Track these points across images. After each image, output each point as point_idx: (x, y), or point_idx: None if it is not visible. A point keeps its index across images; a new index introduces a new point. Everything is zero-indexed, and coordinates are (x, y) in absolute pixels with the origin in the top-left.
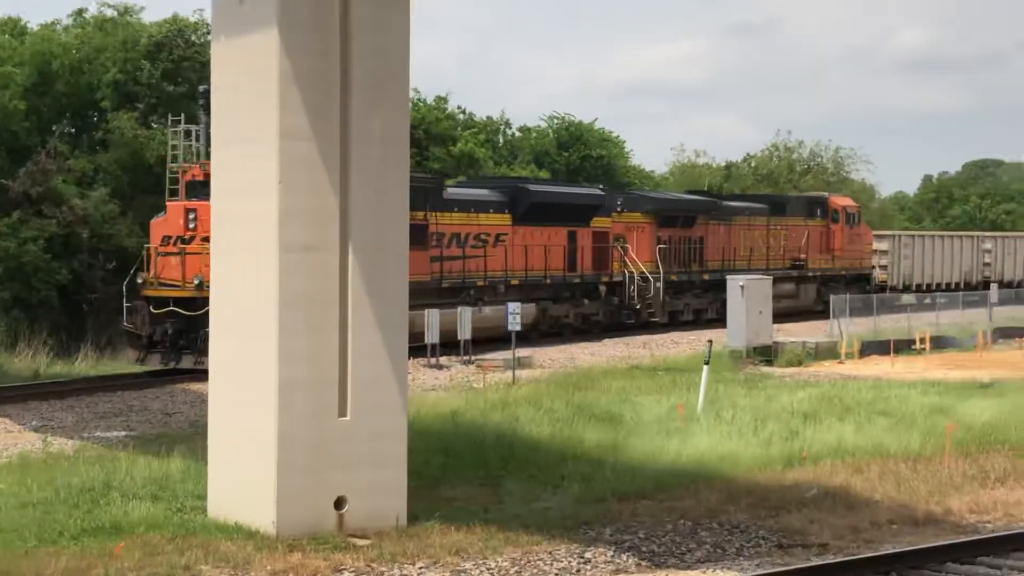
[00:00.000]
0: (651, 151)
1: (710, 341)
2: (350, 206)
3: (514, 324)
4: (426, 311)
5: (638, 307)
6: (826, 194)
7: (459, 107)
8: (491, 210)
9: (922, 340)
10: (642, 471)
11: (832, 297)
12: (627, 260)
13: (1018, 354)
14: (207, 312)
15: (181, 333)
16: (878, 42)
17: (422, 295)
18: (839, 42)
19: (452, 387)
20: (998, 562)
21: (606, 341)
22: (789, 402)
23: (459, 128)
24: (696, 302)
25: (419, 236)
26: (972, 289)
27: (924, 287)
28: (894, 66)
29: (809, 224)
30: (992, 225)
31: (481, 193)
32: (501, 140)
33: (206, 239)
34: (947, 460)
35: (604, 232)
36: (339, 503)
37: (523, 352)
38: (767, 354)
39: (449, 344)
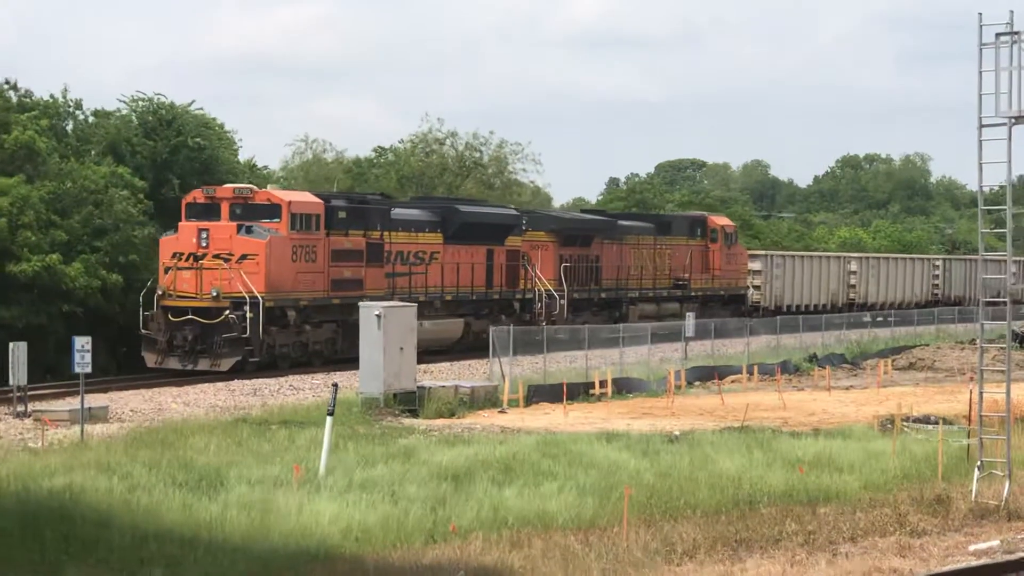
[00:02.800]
0: (268, 141)
1: (335, 385)
2: None
3: (82, 365)
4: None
5: (544, 323)
6: (706, 214)
7: (7, 82)
8: (427, 229)
9: (602, 383)
10: (245, 552)
11: (492, 330)
12: (537, 278)
13: (714, 400)
14: (223, 320)
15: (198, 339)
16: (544, 13)
17: None
18: (496, 12)
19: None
20: None
21: (203, 386)
22: (436, 462)
23: (12, 112)
24: (594, 320)
25: (376, 254)
26: (837, 311)
27: (794, 308)
28: (565, 42)
29: (691, 244)
30: None
31: (419, 213)
32: (71, 126)
33: (217, 255)
34: (625, 530)
35: (516, 250)
36: None
37: (97, 401)
38: (411, 402)
39: None
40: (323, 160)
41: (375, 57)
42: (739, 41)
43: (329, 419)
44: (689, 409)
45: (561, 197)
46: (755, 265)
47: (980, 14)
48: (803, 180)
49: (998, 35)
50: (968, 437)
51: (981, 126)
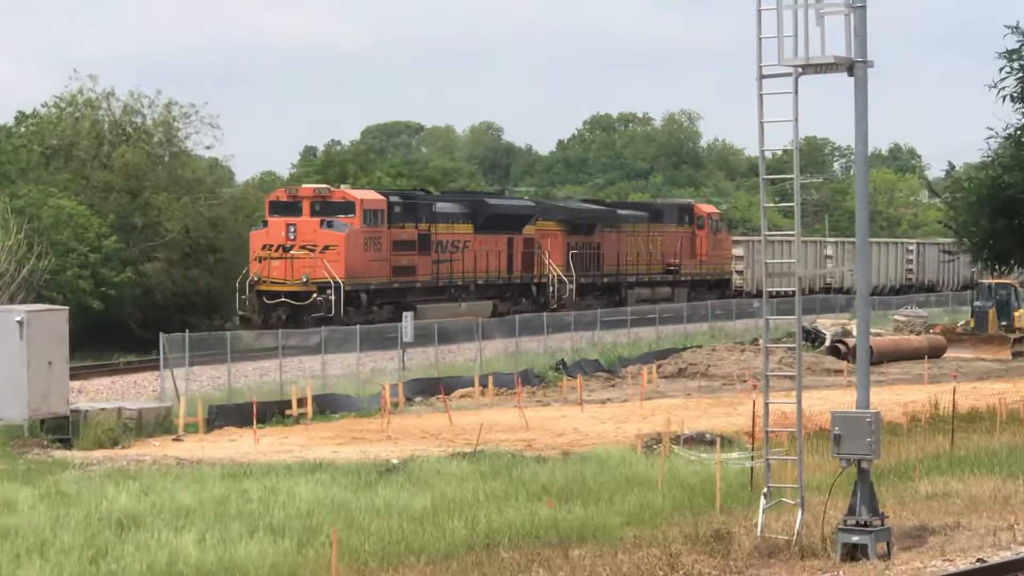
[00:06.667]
0: None
1: None
2: None
3: None
4: None
5: (554, 307)
6: (692, 202)
7: None
8: (460, 221)
9: (301, 402)
10: None
11: (163, 336)
12: (549, 264)
13: (440, 419)
14: (311, 302)
15: (290, 318)
16: None
17: (428, 292)
18: None
19: None
20: None
21: None
22: (96, 504)
23: None
24: (596, 303)
25: (425, 243)
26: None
27: (774, 292)
28: None
29: (680, 230)
30: None
31: (454, 207)
32: None
33: (304, 246)
34: None
35: (531, 239)
36: None
37: None
38: (64, 430)
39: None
40: None
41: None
42: None
43: None
44: (409, 432)
45: (246, 170)
46: (738, 251)
47: None
48: (545, 146)
49: None
50: (752, 459)
51: (761, 77)
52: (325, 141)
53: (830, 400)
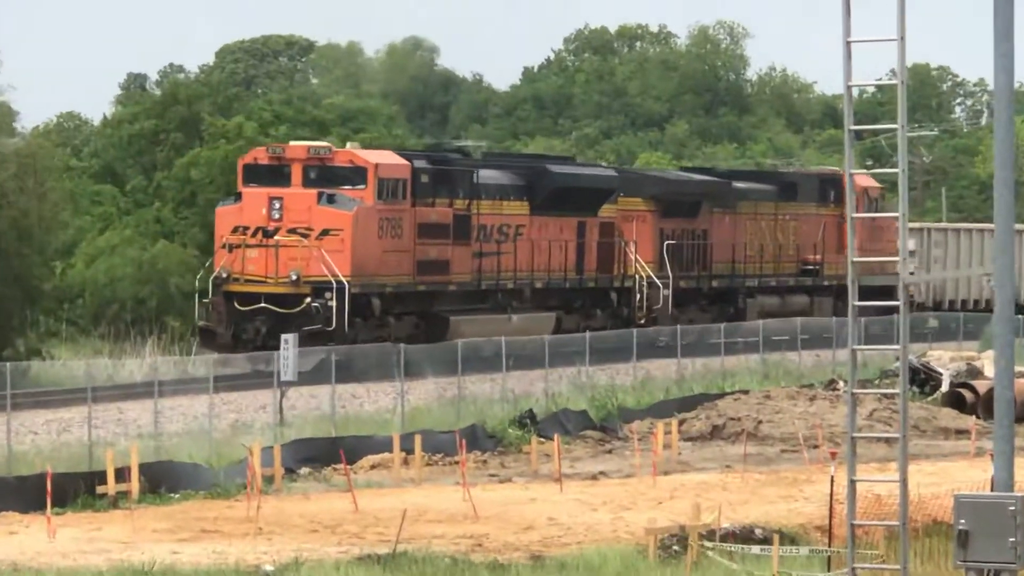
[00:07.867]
0: None
1: None
2: None
3: None
4: None
5: (642, 322)
6: (838, 170)
7: None
8: (512, 196)
9: (122, 474)
10: None
11: None
12: (636, 260)
13: (341, 502)
14: (303, 309)
15: (272, 332)
16: None
17: (465, 298)
18: None
19: None
20: None
21: None
22: None
23: None
24: (702, 316)
25: (463, 228)
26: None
27: (959, 304)
28: None
29: (822, 213)
30: None
31: (504, 176)
32: None
33: (293, 230)
34: None
35: (610, 223)
36: None
37: None
38: None
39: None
40: None
41: None
42: None
43: None
44: (291, 522)
45: (36, 112)
46: (908, 243)
47: None
48: (503, 77)
49: None
50: (828, 568)
51: None
52: (160, 68)
53: (950, 477)
